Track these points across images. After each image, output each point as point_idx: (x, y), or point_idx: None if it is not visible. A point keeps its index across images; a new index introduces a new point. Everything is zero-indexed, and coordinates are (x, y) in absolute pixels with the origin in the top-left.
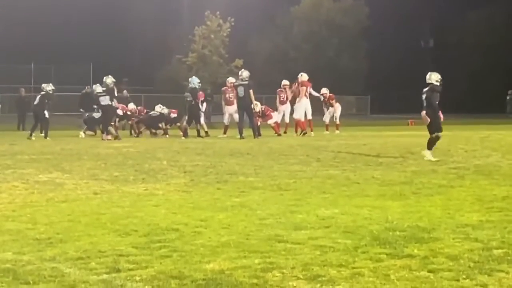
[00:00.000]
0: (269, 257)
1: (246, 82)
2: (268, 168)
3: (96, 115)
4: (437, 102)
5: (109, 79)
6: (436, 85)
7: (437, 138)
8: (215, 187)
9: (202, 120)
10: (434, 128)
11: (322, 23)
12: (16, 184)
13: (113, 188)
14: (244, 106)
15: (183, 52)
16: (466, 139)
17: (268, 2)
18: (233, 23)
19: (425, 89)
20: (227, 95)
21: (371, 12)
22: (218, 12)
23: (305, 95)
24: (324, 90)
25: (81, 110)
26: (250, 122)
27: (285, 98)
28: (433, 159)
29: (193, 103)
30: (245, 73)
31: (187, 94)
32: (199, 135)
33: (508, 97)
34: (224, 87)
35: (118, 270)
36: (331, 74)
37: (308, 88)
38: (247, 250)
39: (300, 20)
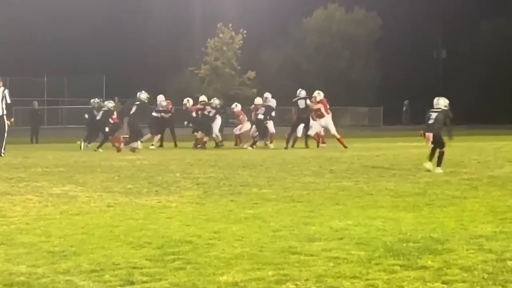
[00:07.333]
0: (283, 269)
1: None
2: (281, 179)
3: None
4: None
5: (144, 95)
6: (448, 110)
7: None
8: (229, 199)
9: (215, 131)
10: (443, 144)
11: (334, 35)
12: (29, 197)
13: (126, 200)
14: (304, 118)
15: (195, 64)
16: (479, 150)
17: (280, 14)
18: (245, 35)
19: (436, 111)
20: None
21: (383, 23)
22: (230, 24)
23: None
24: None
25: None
26: (306, 131)
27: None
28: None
29: (210, 114)
30: (303, 92)
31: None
32: (216, 146)
33: (404, 108)
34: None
35: (132, 283)
36: (343, 85)
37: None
38: (260, 262)
39: (312, 32)
